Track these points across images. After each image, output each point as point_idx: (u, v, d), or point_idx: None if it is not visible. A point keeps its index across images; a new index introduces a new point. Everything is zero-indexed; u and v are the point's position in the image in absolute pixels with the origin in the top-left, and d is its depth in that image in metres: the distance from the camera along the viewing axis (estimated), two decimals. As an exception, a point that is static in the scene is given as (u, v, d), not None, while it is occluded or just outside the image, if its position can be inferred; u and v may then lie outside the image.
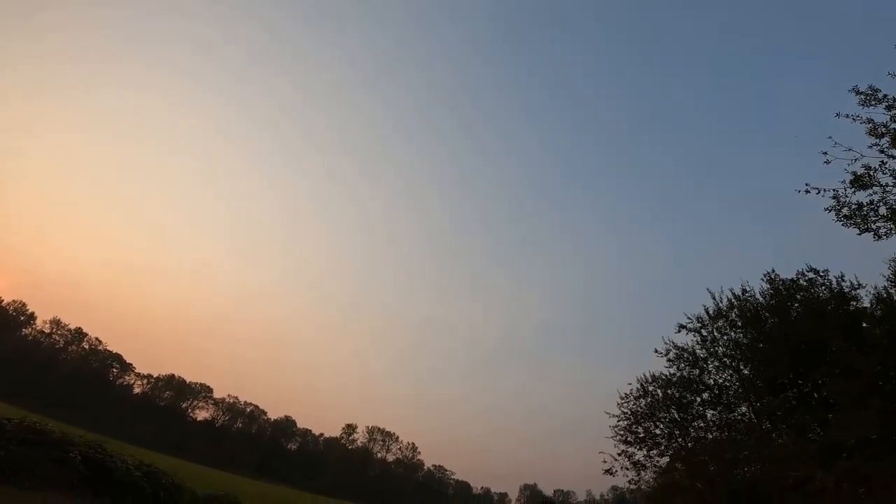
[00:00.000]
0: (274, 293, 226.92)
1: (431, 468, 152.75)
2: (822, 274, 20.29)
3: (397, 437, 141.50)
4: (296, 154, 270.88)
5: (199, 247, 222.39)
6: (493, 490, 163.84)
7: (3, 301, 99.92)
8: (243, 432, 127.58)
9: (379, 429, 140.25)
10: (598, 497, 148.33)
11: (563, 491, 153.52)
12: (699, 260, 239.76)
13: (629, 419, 21.62)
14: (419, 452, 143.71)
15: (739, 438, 19.92)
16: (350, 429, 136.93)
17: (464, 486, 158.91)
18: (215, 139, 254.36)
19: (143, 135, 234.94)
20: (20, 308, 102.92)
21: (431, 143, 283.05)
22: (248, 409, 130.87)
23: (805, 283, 20.52)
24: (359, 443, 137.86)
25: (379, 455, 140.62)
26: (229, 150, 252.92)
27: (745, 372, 21.22)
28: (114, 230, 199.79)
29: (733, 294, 22.51)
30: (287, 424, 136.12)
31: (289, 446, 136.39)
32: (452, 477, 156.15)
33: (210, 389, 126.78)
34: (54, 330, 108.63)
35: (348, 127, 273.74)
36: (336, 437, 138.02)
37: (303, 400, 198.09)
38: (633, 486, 23.02)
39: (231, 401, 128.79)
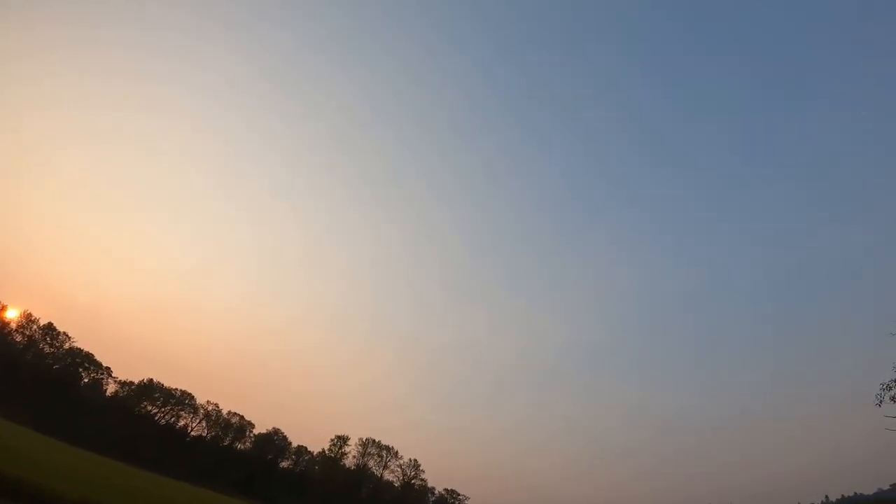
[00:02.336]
0: (292, 327, 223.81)
1: (443, 492, 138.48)
2: None
3: (396, 453, 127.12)
4: (315, 186, 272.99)
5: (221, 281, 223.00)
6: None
7: None
8: (228, 446, 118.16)
9: (374, 441, 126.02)
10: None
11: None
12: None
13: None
14: (423, 471, 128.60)
15: None
16: (340, 441, 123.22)
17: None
18: (234, 165, 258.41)
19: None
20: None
21: (445, 172, 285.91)
22: (234, 420, 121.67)
23: None
24: (351, 456, 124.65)
25: (374, 472, 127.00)
26: (248, 177, 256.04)
27: None
28: (135, 261, 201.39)
29: None
30: (278, 440, 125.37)
31: (281, 464, 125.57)
32: (466, 503, 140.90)
33: (192, 396, 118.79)
34: (24, 325, 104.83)
35: (362, 155, 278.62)
36: (324, 451, 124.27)
37: (318, 428, 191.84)
38: None
39: (212, 409, 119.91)
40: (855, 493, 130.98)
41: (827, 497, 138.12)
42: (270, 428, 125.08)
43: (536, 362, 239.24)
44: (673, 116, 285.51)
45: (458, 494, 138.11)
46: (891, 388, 21.47)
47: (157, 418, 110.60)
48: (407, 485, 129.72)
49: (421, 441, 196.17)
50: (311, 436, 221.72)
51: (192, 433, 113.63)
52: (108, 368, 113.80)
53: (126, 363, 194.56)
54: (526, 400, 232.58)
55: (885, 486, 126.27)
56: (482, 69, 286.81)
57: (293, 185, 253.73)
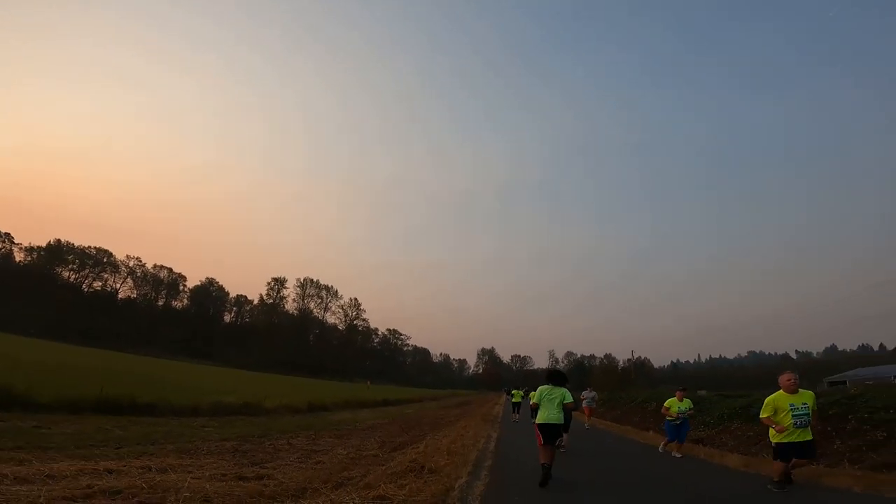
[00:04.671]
0: (222, 168, 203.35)
1: (386, 332, 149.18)
2: None
3: (336, 292, 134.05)
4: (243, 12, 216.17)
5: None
6: (451, 357, 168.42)
7: None
8: (163, 305, 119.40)
9: (313, 281, 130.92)
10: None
11: (520, 356, 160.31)
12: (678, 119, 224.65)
13: None
14: (364, 311, 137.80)
15: None
16: (278, 283, 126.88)
17: (422, 353, 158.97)
18: None
19: None
20: None
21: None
22: (162, 275, 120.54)
23: None
24: (291, 300, 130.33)
25: (316, 315, 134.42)
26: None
27: None
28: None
29: None
30: (215, 290, 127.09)
31: (224, 318, 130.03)
32: (409, 342, 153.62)
33: (109, 254, 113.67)
34: None
35: None
36: (262, 298, 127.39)
37: (253, 276, 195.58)
38: None
39: (135, 264, 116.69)
40: (721, 356, 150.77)
41: (699, 356, 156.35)
42: (204, 279, 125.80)
43: (475, 197, 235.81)
44: None
45: (401, 334, 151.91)
46: None
47: (79, 285, 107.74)
48: (351, 326, 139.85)
49: (355, 276, 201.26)
50: (247, 285, 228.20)
51: (121, 296, 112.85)
52: (8, 234, 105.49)
53: (24, 227, 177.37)
54: (462, 234, 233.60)
55: (757, 350, 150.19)
56: None
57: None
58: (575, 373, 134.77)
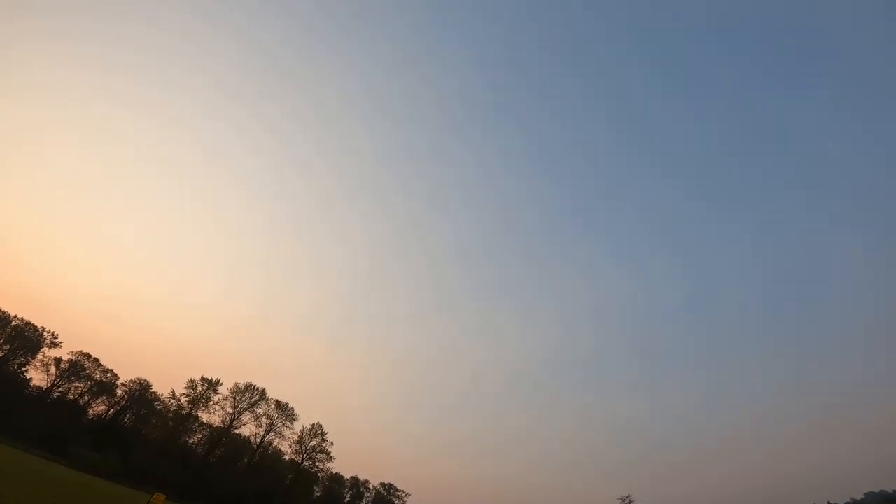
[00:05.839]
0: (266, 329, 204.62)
1: (378, 486, 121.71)
2: None
3: (291, 410, 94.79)
4: (290, 196, 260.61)
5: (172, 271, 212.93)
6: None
7: None
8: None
9: (252, 387, 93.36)
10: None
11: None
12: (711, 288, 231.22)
13: None
14: (330, 443, 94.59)
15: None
16: (206, 385, 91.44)
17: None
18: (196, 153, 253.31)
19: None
20: None
21: (427, 170, 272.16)
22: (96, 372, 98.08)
23: None
24: (225, 410, 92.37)
25: (270, 441, 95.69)
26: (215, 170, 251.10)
27: None
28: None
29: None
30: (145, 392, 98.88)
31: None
32: (405, 499, 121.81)
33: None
34: None
35: (342, 152, 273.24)
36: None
37: None
38: None
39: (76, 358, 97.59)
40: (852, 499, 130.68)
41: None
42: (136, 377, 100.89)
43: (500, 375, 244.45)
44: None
45: (397, 490, 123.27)
46: None
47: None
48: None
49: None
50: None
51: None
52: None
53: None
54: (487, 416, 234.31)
55: (877, 490, 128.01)
56: (485, 72, 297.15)
57: (265, 187, 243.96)
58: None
